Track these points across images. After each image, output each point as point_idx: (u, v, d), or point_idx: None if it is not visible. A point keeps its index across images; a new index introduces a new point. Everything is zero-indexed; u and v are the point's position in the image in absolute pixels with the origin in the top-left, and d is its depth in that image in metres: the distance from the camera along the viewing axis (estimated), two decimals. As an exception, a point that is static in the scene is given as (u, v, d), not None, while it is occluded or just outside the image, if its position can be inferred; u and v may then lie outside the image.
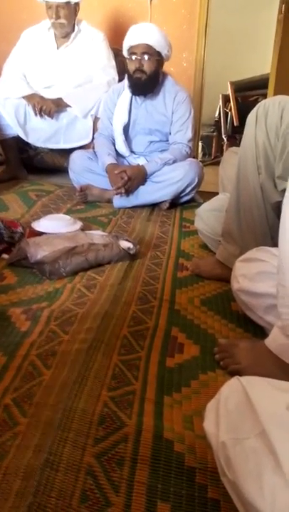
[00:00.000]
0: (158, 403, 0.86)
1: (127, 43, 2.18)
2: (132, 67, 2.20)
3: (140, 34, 2.14)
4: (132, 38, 2.16)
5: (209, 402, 0.67)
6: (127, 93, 2.30)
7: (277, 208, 1.24)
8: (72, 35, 2.56)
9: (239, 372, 0.90)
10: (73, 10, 2.48)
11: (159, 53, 2.18)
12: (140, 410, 0.84)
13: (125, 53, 2.23)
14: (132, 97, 2.30)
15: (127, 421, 0.81)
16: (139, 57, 2.16)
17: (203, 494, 0.68)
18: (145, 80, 2.20)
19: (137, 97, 2.30)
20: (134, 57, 2.17)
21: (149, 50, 2.15)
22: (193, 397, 0.89)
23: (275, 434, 0.53)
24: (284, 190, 0.92)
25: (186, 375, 0.96)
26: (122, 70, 2.49)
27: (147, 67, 2.17)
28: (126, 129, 2.35)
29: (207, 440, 0.64)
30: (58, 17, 2.45)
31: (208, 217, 1.65)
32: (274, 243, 1.25)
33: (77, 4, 2.48)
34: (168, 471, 0.71)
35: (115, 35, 2.87)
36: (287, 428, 0.53)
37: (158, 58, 2.19)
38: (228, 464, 0.57)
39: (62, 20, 2.47)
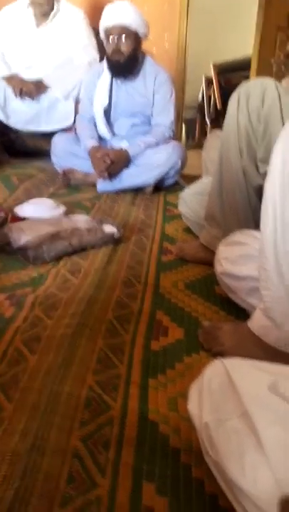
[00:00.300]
0: (143, 386, 0.88)
1: (103, 25, 2.13)
2: (109, 49, 2.15)
3: (115, 15, 2.09)
4: (107, 19, 2.11)
5: (193, 384, 0.68)
6: (106, 74, 2.26)
7: (260, 191, 1.25)
8: (52, 13, 2.49)
9: (222, 354, 0.91)
10: (52, -13, 2.42)
11: (136, 33, 2.13)
12: (125, 393, 0.85)
13: (102, 35, 2.18)
14: (112, 79, 2.26)
15: (112, 404, 0.82)
16: (115, 39, 2.11)
17: (188, 474, 0.70)
18: (124, 61, 2.16)
19: (117, 79, 2.26)
20: (110, 38, 2.12)
21: (126, 31, 2.10)
22: (178, 379, 0.91)
23: (257, 415, 0.54)
24: (266, 173, 0.93)
25: (170, 358, 0.97)
26: (102, 50, 2.44)
27: (125, 48, 2.13)
28: (107, 112, 2.31)
29: (191, 421, 0.65)
30: (36, -6, 2.38)
31: (191, 201, 1.65)
32: (257, 226, 1.26)
33: (56, -19, 2.41)
34: (153, 453, 0.73)
35: (95, 14, 2.78)
36: (269, 409, 0.54)
37: (135, 38, 2.15)
38: (211, 444, 0.58)
39: (41, -1, 2.40)
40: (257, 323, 0.92)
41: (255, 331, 0.91)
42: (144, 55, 2.28)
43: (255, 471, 0.51)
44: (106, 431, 0.76)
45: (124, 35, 2.10)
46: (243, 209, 1.28)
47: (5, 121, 2.52)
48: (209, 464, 0.60)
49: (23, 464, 0.69)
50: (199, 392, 0.64)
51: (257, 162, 1.23)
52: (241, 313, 1.12)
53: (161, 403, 0.83)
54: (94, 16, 2.72)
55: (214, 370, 0.66)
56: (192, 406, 0.65)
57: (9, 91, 2.45)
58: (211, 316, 1.15)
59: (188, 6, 2.92)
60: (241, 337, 0.95)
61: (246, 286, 1.05)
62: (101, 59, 2.44)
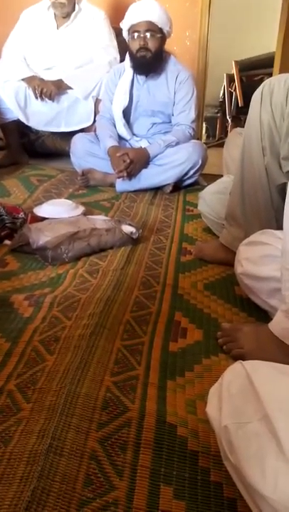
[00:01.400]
0: (161, 388, 0.87)
1: (128, 22, 2.13)
2: (135, 45, 2.14)
3: (142, 11, 2.09)
4: (133, 16, 2.11)
5: (212, 387, 0.66)
6: (127, 74, 2.25)
7: (282, 190, 1.22)
8: (73, 14, 2.50)
9: (242, 357, 0.90)
10: (74, -12, 2.43)
11: (161, 30, 2.13)
12: (143, 395, 0.84)
13: (125, 34, 2.18)
14: (133, 79, 2.26)
15: (130, 406, 0.81)
16: (142, 35, 2.11)
17: (206, 477, 0.68)
18: (150, 58, 2.15)
19: (139, 78, 2.26)
20: (136, 35, 2.12)
21: (152, 27, 2.10)
22: (197, 381, 0.89)
23: (277, 419, 0.53)
24: None
25: (189, 360, 0.95)
26: (123, 50, 2.44)
27: (152, 44, 2.13)
28: (128, 112, 2.31)
29: (210, 424, 0.63)
30: (58, -4, 2.39)
31: (211, 200, 1.63)
32: (279, 226, 1.24)
33: (77, -18, 2.42)
34: (171, 455, 0.71)
35: (117, 14, 2.79)
36: (290, 413, 0.53)
37: (161, 35, 2.14)
38: (230, 447, 0.57)
39: (63, 0, 2.41)
40: (278, 325, 0.89)
41: (277, 333, 0.89)
42: (167, 53, 2.28)
43: (276, 477, 0.50)
44: (123, 433, 0.75)
45: (150, 32, 2.10)
46: (265, 208, 1.25)
47: (25, 122, 2.55)
48: (228, 468, 0.58)
49: (40, 464, 0.69)
50: (219, 394, 0.63)
51: (280, 160, 1.20)
52: (262, 315, 1.10)
53: (180, 405, 0.82)
54: (114, 16, 2.73)
55: (234, 373, 0.64)
56: (211, 409, 0.63)
57: (30, 92, 2.47)
58: (231, 318, 1.13)
59: (210, 3, 2.90)
60: (262, 339, 0.93)
61: (267, 287, 1.03)
62: (121, 60, 2.44)
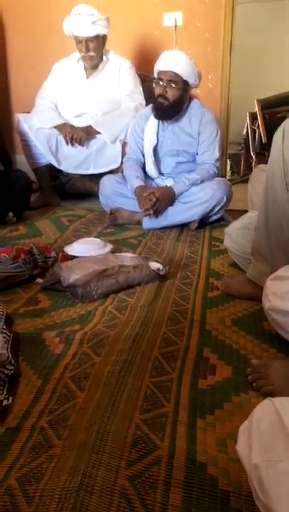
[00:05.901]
0: (191, 426, 0.86)
1: (157, 67, 2.24)
2: (157, 91, 2.26)
3: (168, 61, 2.20)
4: (161, 63, 2.22)
5: (242, 424, 0.66)
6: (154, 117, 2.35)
7: (307, 225, 1.23)
8: (101, 65, 2.66)
9: (272, 394, 0.88)
10: (101, 42, 2.59)
11: (185, 81, 2.21)
12: (173, 433, 0.84)
13: (155, 75, 2.29)
14: (159, 121, 2.35)
15: (159, 444, 0.81)
16: (163, 84, 2.21)
17: (239, 519, 0.67)
18: (167, 105, 2.24)
19: (164, 121, 2.34)
20: (160, 82, 2.22)
21: (175, 78, 2.19)
22: (227, 419, 0.88)
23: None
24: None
25: (218, 397, 0.95)
26: (149, 95, 2.56)
27: (171, 94, 2.22)
28: (154, 151, 2.39)
29: (241, 463, 0.63)
30: (87, 50, 2.55)
31: (237, 236, 1.65)
32: (305, 260, 1.24)
33: (105, 36, 2.58)
34: (201, 495, 0.71)
35: (142, 62, 2.95)
36: None
37: (183, 87, 2.23)
38: (261, 486, 0.56)
39: (92, 53, 2.57)
40: (308, 361, 0.88)
41: (307, 369, 0.88)
42: (191, 97, 2.37)
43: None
44: (153, 471, 0.75)
45: (172, 83, 2.19)
46: (291, 243, 1.26)
47: (57, 166, 2.67)
48: (260, 508, 0.57)
49: (71, 502, 0.69)
50: (249, 432, 0.62)
51: (303, 196, 1.22)
52: (292, 351, 1.09)
53: (210, 444, 0.82)
54: (140, 63, 2.89)
55: (264, 410, 0.64)
56: (241, 447, 0.63)
57: (61, 138, 2.60)
58: (261, 354, 1.12)
59: (231, 46, 3.00)
60: (292, 376, 0.92)
61: (296, 323, 1.02)
62: (148, 104, 2.54)
